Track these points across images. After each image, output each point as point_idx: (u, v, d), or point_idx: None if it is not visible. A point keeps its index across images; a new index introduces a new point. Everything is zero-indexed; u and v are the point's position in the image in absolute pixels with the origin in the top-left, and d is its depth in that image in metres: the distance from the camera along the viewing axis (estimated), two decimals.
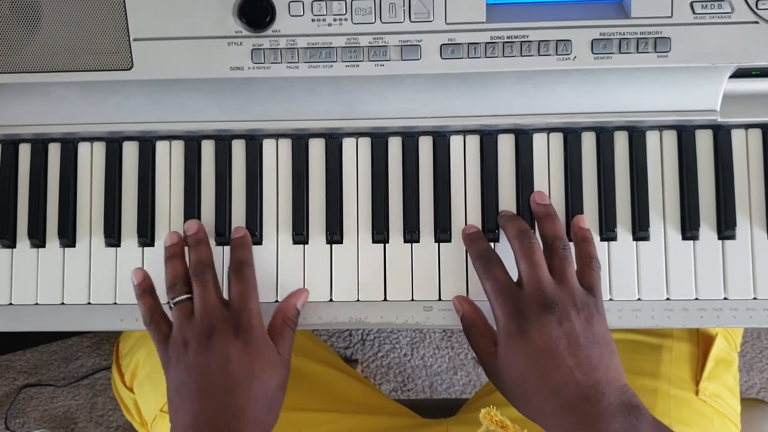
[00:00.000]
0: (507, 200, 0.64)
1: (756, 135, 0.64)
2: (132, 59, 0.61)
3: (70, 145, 0.66)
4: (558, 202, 0.64)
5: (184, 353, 0.58)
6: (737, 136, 0.64)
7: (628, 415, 0.53)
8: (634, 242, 0.63)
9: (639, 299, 0.63)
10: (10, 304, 0.66)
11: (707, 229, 0.63)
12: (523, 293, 0.57)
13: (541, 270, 0.58)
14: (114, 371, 0.80)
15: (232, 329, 0.58)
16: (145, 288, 0.63)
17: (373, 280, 0.64)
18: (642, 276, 0.63)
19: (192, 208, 0.65)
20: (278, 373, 0.59)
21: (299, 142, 0.65)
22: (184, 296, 0.61)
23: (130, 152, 0.66)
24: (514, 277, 0.59)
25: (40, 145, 0.66)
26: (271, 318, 0.62)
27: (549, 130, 0.64)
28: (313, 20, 0.60)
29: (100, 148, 0.66)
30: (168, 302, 0.62)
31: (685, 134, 0.64)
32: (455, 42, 0.60)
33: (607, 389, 0.54)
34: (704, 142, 0.64)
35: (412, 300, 0.64)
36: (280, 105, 0.64)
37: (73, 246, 0.66)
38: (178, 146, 0.66)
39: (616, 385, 0.54)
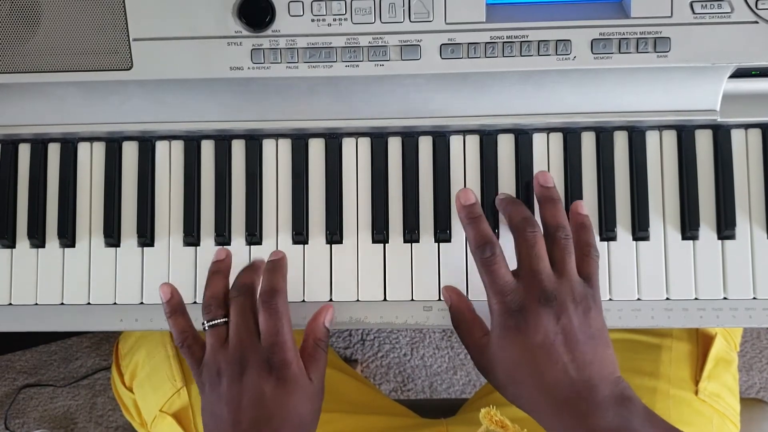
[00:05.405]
0: None
1: (756, 135, 0.64)
2: (132, 59, 0.61)
3: (69, 145, 0.66)
4: None
5: (218, 383, 0.57)
6: (737, 136, 0.64)
7: (620, 407, 0.53)
8: (634, 242, 0.63)
9: (639, 299, 0.63)
10: (10, 304, 0.66)
11: (707, 229, 0.63)
12: (522, 287, 0.56)
13: (542, 262, 0.56)
14: (113, 371, 0.80)
15: (265, 364, 0.56)
16: (175, 306, 0.61)
17: (372, 280, 0.64)
18: (642, 276, 0.63)
19: (192, 208, 0.65)
20: (313, 403, 0.58)
21: (299, 142, 0.65)
22: (220, 320, 0.59)
23: (130, 152, 0.66)
24: (512, 261, 0.58)
25: (39, 145, 0.66)
26: (302, 341, 0.60)
27: (549, 130, 0.64)
28: (312, 20, 0.60)
29: (99, 148, 0.66)
30: (203, 323, 0.60)
31: (684, 134, 0.64)
32: (455, 42, 0.60)
33: (601, 384, 0.54)
34: (704, 142, 0.64)
35: (412, 300, 0.64)
36: (280, 105, 0.64)
37: (73, 246, 0.66)
38: (178, 146, 0.66)
39: (610, 378, 0.54)
